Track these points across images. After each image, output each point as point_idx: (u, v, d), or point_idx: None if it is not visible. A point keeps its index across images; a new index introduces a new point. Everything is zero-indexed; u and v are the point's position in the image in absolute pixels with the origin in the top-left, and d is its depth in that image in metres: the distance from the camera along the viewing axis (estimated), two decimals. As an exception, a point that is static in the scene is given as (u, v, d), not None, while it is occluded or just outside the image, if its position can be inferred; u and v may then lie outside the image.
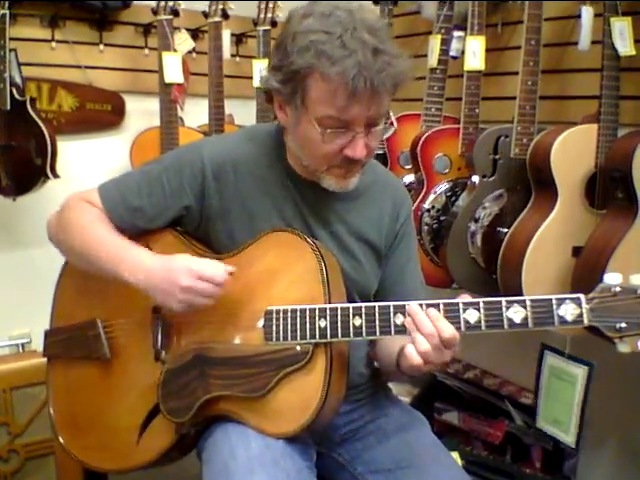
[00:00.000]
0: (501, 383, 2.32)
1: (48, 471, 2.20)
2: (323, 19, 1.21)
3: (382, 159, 2.31)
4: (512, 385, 2.30)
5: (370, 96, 1.20)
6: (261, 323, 1.28)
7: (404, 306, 1.21)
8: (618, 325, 1.10)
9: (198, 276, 1.26)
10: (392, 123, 1.28)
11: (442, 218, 2.14)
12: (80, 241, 1.39)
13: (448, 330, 1.17)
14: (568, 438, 1.69)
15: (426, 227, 2.14)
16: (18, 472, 2.19)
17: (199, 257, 1.33)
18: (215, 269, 1.28)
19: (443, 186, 2.16)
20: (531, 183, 1.90)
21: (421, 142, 2.15)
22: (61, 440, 1.47)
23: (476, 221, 2.02)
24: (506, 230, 1.94)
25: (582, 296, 1.12)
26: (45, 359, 1.53)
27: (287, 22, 1.28)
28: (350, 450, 1.48)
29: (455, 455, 1.52)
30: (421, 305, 1.20)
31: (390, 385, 1.65)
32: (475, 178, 2.03)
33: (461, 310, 1.17)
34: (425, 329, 1.17)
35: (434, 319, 1.18)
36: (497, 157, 1.99)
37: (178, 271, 1.27)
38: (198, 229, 1.42)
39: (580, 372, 1.64)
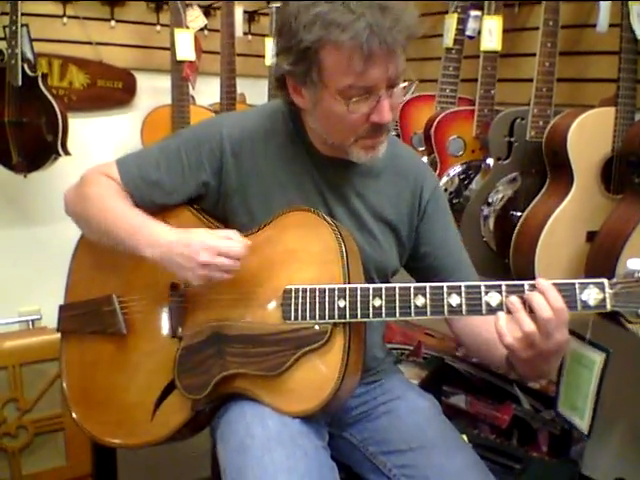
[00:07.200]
0: (509, 367, 2.33)
1: (57, 447, 2.22)
2: None
3: (395, 140, 2.30)
4: (520, 369, 2.31)
5: (386, 55, 1.18)
6: (279, 302, 1.28)
7: (425, 287, 1.19)
8: (640, 311, 1.10)
9: (216, 251, 1.26)
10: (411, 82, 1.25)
11: (455, 201, 2.12)
12: (99, 214, 1.38)
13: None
14: (582, 424, 1.68)
15: (438, 210, 2.12)
16: (27, 448, 2.21)
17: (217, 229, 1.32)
18: (232, 244, 1.27)
19: (456, 169, 2.14)
20: (546, 166, 1.88)
21: (435, 123, 2.13)
22: (74, 415, 1.46)
23: (489, 204, 2.01)
24: (520, 214, 1.93)
25: (606, 281, 1.11)
26: (56, 335, 1.52)
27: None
28: (362, 431, 1.49)
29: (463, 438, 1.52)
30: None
31: (401, 368, 1.65)
32: (489, 161, 2.02)
33: (483, 293, 1.16)
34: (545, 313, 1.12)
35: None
36: (512, 140, 1.97)
37: (196, 246, 1.26)
38: (216, 207, 1.41)
39: (598, 358, 1.63)
